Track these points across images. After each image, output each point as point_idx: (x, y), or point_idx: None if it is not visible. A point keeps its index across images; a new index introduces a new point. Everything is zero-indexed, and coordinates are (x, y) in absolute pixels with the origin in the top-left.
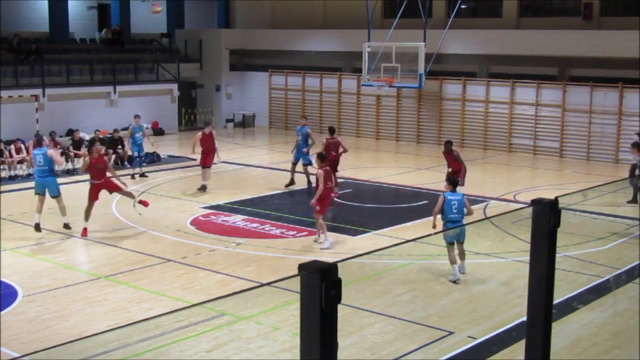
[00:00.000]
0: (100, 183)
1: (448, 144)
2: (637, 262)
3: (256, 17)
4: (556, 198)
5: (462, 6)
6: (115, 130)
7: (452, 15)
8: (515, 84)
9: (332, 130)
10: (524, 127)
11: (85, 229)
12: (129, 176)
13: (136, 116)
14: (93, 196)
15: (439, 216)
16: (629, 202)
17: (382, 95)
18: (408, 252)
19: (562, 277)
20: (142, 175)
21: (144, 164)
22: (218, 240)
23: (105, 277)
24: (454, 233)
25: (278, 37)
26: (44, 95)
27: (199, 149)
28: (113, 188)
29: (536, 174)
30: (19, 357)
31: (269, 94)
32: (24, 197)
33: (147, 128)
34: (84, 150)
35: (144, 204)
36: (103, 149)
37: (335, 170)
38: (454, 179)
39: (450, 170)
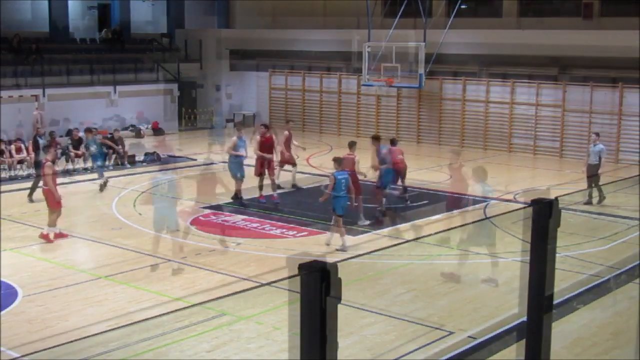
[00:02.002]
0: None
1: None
2: (637, 262)
3: (256, 17)
4: (556, 198)
5: (462, 6)
6: (116, 130)
7: (452, 15)
8: (515, 84)
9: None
10: (524, 127)
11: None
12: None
13: (89, 130)
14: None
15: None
16: (585, 203)
17: (383, 95)
18: (408, 252)
19: (562, 277)
20: (102, 187)
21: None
22: (218, 240)
23: (105, 277)
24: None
25: (278, 37)
26: (44, 95)
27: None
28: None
29: (536, 173)
30: (19, 357)
31: (269, 94)
32: (24, 197)
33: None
34: (82, 150)
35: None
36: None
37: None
38: (339, 158)
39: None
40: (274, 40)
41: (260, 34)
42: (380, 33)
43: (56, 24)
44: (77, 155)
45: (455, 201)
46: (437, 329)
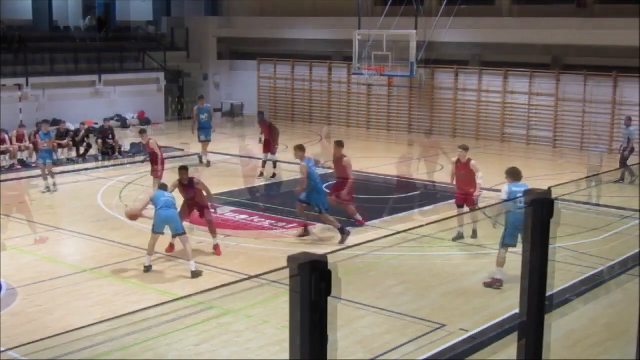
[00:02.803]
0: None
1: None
2: (637, 262)
3: (244, 4)
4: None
5: (462, 6)
6: (106, 120)
7: (453, 15)
8: (508, 73)
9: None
10: (517, 116)
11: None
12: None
13: (41, 124)
14: None
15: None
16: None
17: (374, 86)
18: (408, 252)
19: (562, 276)
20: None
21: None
22: (206, 233)
23: (106, 277)
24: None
25: (267, 25)
26: (27, 85)
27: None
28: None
29: (529, 164)
30: (19, 358)
31: (257, 83)
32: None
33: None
34: (67, 140)
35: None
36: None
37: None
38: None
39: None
40: (263, 28)
41: (249, 21)
42: (371, 21)
43: (39, 12)
44: (60, 146)
45: (464, 199)
46: (437, 328)
